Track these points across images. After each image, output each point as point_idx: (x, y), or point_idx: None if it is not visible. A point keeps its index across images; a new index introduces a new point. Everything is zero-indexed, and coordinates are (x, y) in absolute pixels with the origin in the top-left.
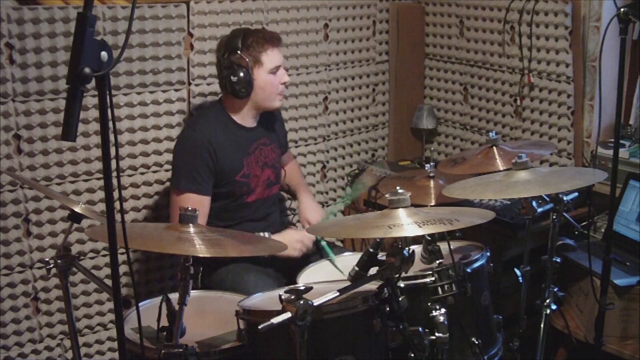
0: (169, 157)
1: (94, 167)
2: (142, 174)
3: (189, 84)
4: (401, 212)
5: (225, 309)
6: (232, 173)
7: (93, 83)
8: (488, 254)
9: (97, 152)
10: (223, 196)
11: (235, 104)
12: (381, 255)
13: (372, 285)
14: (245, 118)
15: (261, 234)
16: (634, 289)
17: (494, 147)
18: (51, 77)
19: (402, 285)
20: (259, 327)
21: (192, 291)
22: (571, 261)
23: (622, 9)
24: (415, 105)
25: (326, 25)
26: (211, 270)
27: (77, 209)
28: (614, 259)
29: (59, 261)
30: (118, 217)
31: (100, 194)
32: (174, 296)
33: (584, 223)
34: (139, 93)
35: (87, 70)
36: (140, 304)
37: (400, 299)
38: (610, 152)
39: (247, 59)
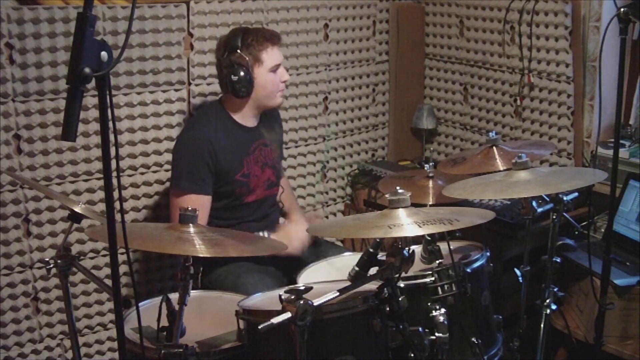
0: (169, 157)
1: (94, 167)
2: (142, 174)
3: (189, 84)
4: (401, 212)
5: (225, 309)
6: (231, 173)
7: (93, 83)
8: (488, 254)
9: (97, 152)
10: (223, 196)
11: (235, 103)
12: (381, 255)
13: (372, 285)
14: (246, 117)
15: (260, 233)
16: (634, 289)
17: (494, 147)
18: (51, 77)
19: (402, 285)
20: (259, 327)
21: (192, 291)
22: (571, 261)
23: (622, 9)
24: (415, 105)
25: (326, 25)
26: (211, 270)
27: (77, 209)
28: (614, 259)
29: (59, 261)
30: (118, 217)
31: (100, 194)
32: (174, 296)
33: (584, 223)
34: (139, 93)
35: (87, 70)
36: (140, 304)
37: (400, 299)
38: (610, 152)
39: (247, 58)
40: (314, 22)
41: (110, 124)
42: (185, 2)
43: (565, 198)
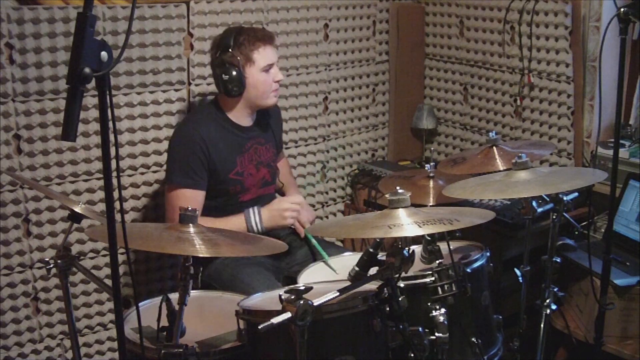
0: None
1: (94, 167)
2: (142, 174)
3: (189, 84)
4: (401, 212)
5: (225, 309)
6: (224, 171)
7: (93, 83)
8: (488, 254)
9: (97, 152)
10: (218, 195)
11: (229, 102)
12: (381, 255)
13: (372, 285)
14: (240, 116)
15: (250, 209)
16: (634, 289)
17: (494, 147)
18: (51, 77)
19: (402, 285)
20: (259, 327)
21: (192, 291)
22: (571, 261)
23: (622, 9)
24: (415, 105)
25: (326, 25)
26: (207, 264)
27: (77, 209)
28: (614, 259)
29: (59, 261)
30: (118, 217)
31: (100, 194)
32: (174, 296)
33: (584, 223)
34: (139, 93)
35: (87, 70)
36: (140, 304)
37: (400, 299)
38: (610, 152)
39: (238, 57)
40: (314, 22)
41: (110, 124)
42: (185, 2)
43: (565, 198)
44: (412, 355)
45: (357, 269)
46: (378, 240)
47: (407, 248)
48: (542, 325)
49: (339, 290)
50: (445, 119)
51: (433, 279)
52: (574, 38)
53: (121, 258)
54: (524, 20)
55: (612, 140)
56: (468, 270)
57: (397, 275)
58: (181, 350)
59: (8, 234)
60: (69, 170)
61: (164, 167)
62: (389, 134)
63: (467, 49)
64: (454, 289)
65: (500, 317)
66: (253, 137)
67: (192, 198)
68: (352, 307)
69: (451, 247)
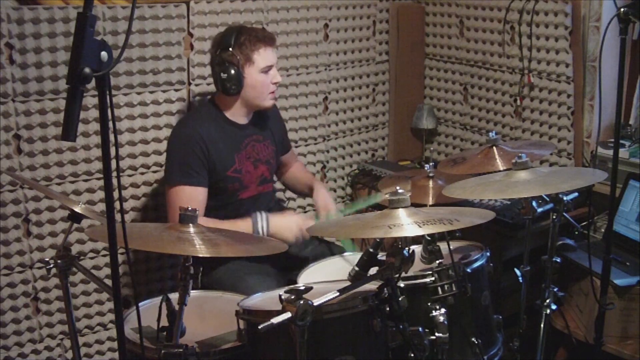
0: None
1: (94, 167)
2: (142, 174)
3: (189, 84)
4: (401, 212)
5: (225, 309)
6: (223, 168)
7: (93, 83)
8: (488, 254)
9: (97, 152)
10: (217, 193)
11: (226, 100)
12: (381, 255)
13: (372, 285)
14: (237, 115)
15: (258, 213)
16: (634, 289)
17: (494, 147)
18: (51, 77)
19: (402, 285)
20: (259, 327)
21: (192, 291)
22: (571, 261)
23: (622, 9)
24: (415, 105)
25: (326, 25)
26: (210, 269)
27: (77, 209)
28: (614, 259)
29: (59, 261)
30: (118, 217)
31: (100, 194)
32: (174, 296)
33: (584, 223)
34: (139, 93)
35: (87, 70)
36: (140, 304)
37: (400, 299)
38: (610, 152)
39: (238, 57)
40: (314, 22)
41: (110, 124)
42: (185, 2)
43: (565, 198)
44: (412, 355)
45: (357, 269)
46: (378, 240)
47: (407, 248)
48: (542, 325)
49: (339, 290)
50: (445, 119)
51: (433, 279)
52: (574, 38)
53: (121, 258)
54: (524, 20)
55: (612, 140)
56: (468, 270)
57: (397, 275)
58: (181, 350)
59: (8, 234)
60: (69, 170)
61: (164, 167)
62: (389, 134)
63: (467, 49)
64: (454, 289)
65: (500, 317)
66: (250, 134)
67: (192, 195)
68: (352, 307)
69: (451, 247)
